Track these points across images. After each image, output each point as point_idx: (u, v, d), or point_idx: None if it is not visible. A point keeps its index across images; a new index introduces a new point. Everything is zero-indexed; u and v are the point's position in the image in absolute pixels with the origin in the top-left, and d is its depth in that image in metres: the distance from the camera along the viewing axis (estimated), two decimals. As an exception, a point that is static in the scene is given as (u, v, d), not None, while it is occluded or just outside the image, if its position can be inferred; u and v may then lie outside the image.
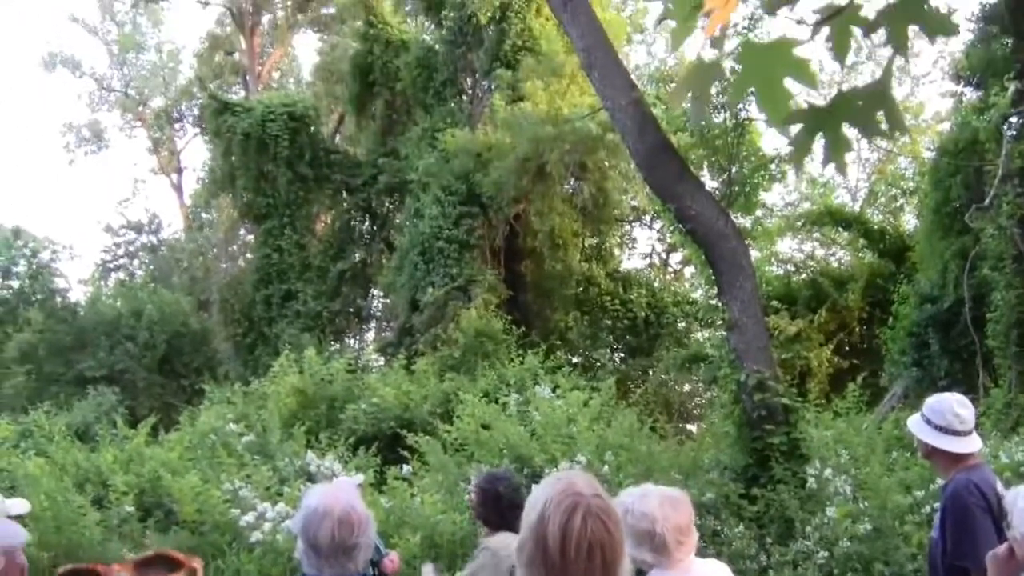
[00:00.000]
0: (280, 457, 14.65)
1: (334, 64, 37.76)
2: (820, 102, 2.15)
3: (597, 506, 3.14)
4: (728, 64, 2.09)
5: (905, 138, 31.49)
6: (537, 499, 3.18)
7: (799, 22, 2.25)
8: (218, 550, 11.59)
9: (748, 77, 2.02)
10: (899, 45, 2.24)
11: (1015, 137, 16.82)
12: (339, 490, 4.68)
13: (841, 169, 2.13)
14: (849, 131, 2.17)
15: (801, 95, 2.14)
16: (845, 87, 2.14)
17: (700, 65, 2.13)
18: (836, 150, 2.12)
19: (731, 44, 2.21)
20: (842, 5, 2.21)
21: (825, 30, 2.21)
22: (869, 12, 2.25)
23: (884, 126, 2.13)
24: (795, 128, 2.16)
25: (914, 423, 5.91)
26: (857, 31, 2.26)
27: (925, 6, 2.25)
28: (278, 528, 11.46)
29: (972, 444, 5.81)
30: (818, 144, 2.19)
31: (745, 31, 17.07)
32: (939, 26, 2.34)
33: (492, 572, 6.41)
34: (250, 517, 11.70)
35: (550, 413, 14.16)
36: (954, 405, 5.84)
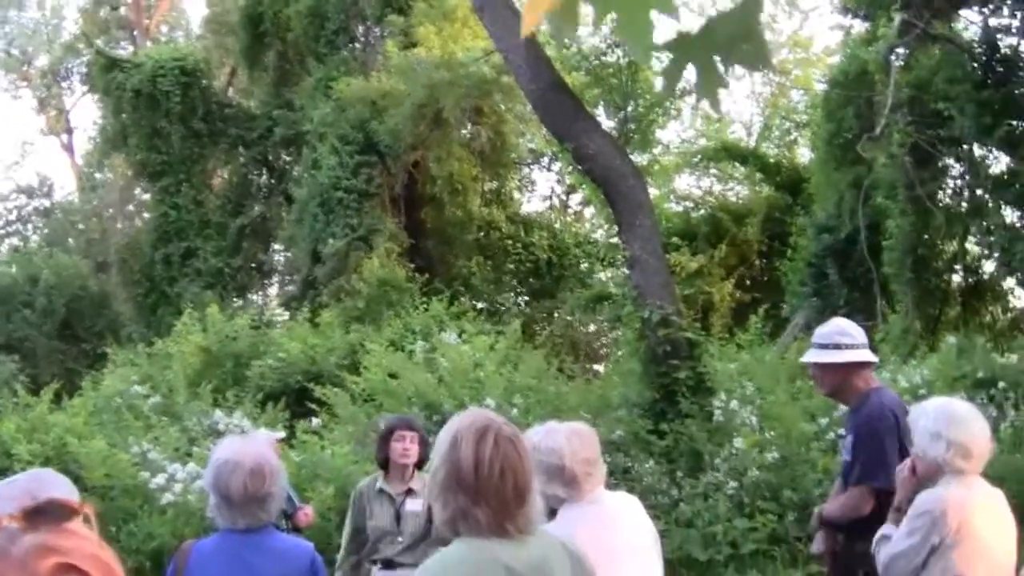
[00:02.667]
0: (188, 417, 14.52)
1: (223, 16, 37.06)
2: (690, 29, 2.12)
3: (508, 432, 3.21)
4: None
5: (797, 71, 31.82)
6: (449, 429, 3.25)
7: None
8: (129, 514, 11.49)
9: (608, 3, 1.99)
10: None
11: (902, 67, 17.08)
12: (248, 442, 4.71)
13: (714, 105, 2.10)
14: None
15: (669, 24, 2.11)
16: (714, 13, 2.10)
17: None
18: (708, 84, 2.10)
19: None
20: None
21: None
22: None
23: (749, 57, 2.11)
24: (664, 58, 2.13)
25: (809, 355, 6.04)
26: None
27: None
28: (189, 488, 11.38)
29: (869, 355, 5.95)
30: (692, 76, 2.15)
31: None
32: None
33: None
34: (160, 479, 11.60)
35: (457, 359, 14.19)
36: (841, 323, 6.02)
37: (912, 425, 4.87)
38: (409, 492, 7.05)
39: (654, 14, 1.98)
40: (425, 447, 6.93)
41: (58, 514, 1.69)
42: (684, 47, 2.06)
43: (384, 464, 7.15)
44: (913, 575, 4.72)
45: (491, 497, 3.11)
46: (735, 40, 2.01)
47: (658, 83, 24.00)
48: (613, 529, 4.43)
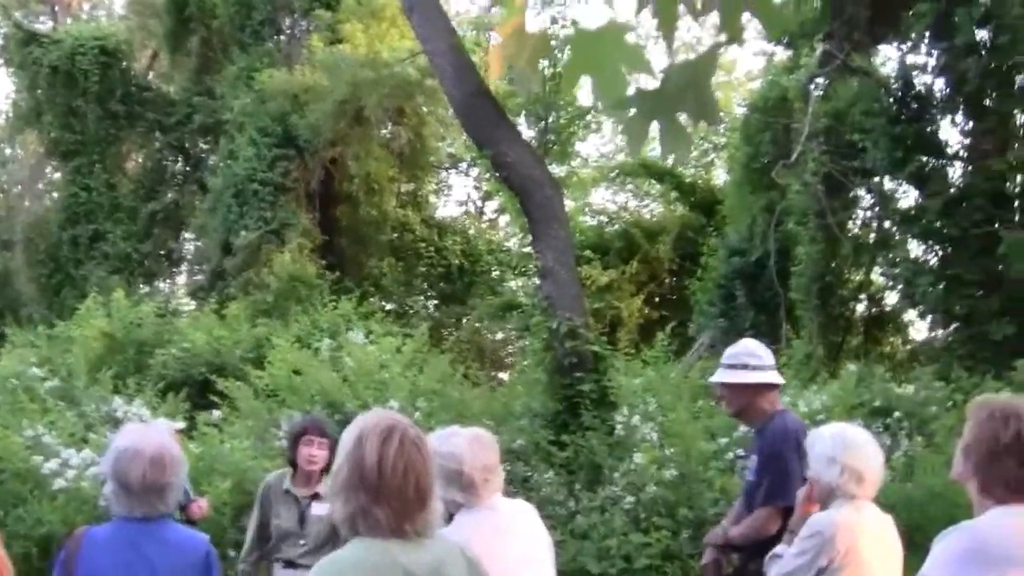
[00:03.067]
0: (86, 403, 14.30)
1: (148, -2, 36.70)
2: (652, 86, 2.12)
3: (413, 434, 3.23)
4: (553, 39, 2.07)
5: (718, 93, 32.12)
6: (354, 427, 3.25)
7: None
8: (19, 498, 11.28)
9: (580, 64, 2.01)
10: (732, 32, 2.22)
11: (821, 97, 17.36)
12: (151, 430, 4.66)
13: (681, 159, 2.14)
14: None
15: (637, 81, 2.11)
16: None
17: (522, 35, 2.10)
18: (672, 138, 2.11)
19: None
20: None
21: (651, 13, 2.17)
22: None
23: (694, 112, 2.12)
24: (630, 113, 2.13)
25: (717, 375, 6.10)
26: (685, 12, 2.22)
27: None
28: (83, 475, 11.21)
29: (776, 376, 6.04)
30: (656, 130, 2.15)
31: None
32: (774, 19, 2.32)
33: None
34: (53, 464, 11.41)
35: (363, 359, 14.13)
36: (749, 345, 6.10)
37: (809, 449, 4.96)
38: (315, 496, 6.94)
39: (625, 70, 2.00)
40: (334, 453, 6.83)
41: None
42: (646, 102, 2.08)
43: (293, 464, 7.08)
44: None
45: (392, 498, 3.11)
46: (685, 92, 2.03)
47: (581, 97, 24.18)
48: (508, 536, 4.45)
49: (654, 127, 2.15)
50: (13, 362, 16.45)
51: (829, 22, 17.07)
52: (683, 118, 2.13)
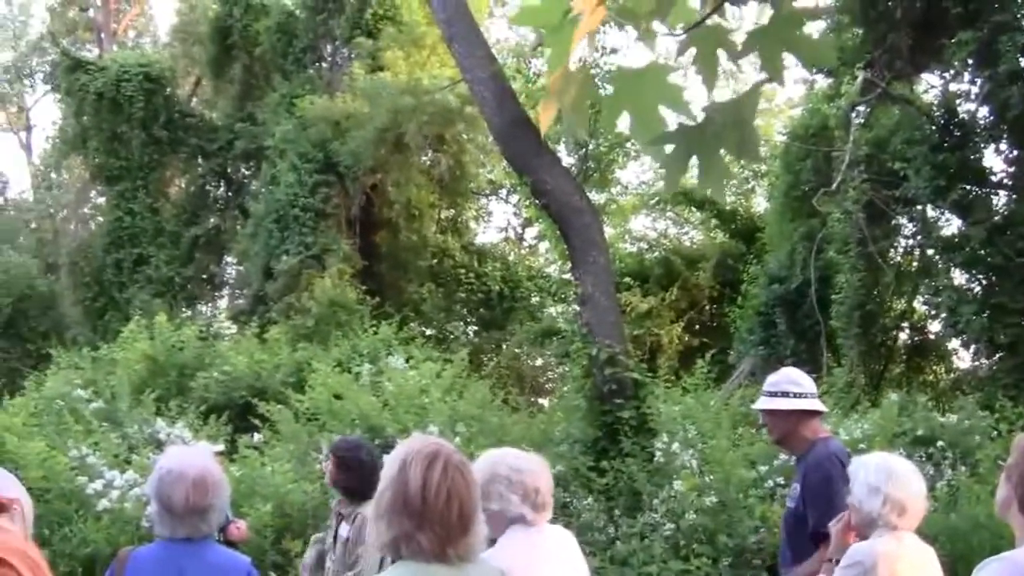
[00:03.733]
0: (129, 424, 14.41)
1: (192, 25, 36.91)
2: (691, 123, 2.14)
3: (457, 460, 3.25)
4: (597, 78, 2.10)
5: (759, 121, 32.06)
6: (398, 454, 3.28)
7: (668, 34, 2.24)
8: (64, 518, 11.40)
9: (620, 101, 2.04)
10: (773, 72, 2.24)
11: (862, 125, 17.31)
12: (194, 453, 4.72)
13: (719, 195, 2.18)
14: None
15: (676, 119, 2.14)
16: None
17: (569, 76, 2.13)
18: (711, 174, 2.14)
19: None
20: (700, 18, 2.20)
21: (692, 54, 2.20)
22: (739, 36, 2.23)
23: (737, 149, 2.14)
24: (668, 149, 2.16)
25: (760, 403, 6.10)
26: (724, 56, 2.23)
27: (797, 32, 2.23)
28: (126, 496, 11.31)
29: (819, 404, 6.03)
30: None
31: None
32: (815, 55, 2.34)
33: None
34: (98, 484, 11.52)
35: (403, 384, 14.19)
36: (791, 373, 6.08)
37: (852, 476, 4.94)
38: (340, 516, 6.95)
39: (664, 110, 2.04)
40: (346, 472, 6.80)
41: None
42: (685, 138, 2.11)
43: None
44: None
45: (436, 523, 3.15)
46: (727, 130, 2.06)
47: (626, 124, 24.24)
48: (554, 562, 4.47)
49: (693, 160, 2.18)
50: (59, 384, 16.60)
51: (870, 50, 17.05)
52: (724, 154, 2.15)
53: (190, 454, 4.75)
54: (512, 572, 3.60)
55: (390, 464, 3.28)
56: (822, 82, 20.34)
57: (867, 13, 16.48)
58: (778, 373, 6.17)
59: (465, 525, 3.21)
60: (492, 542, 4.28)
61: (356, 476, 6.66)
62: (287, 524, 11.41)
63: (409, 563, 3.18)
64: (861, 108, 17.70)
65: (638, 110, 2.01)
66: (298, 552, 10.70)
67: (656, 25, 2.15)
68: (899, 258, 19.01)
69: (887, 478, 4.77)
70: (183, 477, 4.44)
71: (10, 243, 36.99)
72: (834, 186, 16.79)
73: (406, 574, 3.18)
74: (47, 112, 79.33)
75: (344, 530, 6.70)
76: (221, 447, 10.85)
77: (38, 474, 11.62)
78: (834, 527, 5.07)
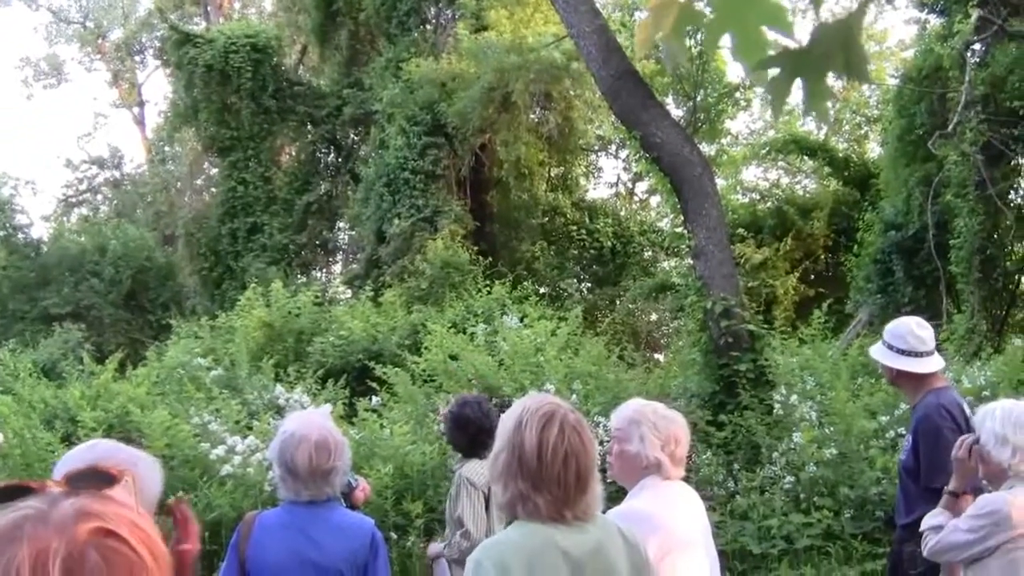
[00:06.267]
0: (249, 391, 14.64)
1: (296, -6, 37.36)
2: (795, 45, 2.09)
3: (574, 419, 3.22)
4: (703, 7, 2.04)
5: (870, 65, 31.54)
6: (514, 412, 3.26)
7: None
8: (189, 484, 11.60)
9: (722, 23, 1.98)
10: None
11: (978, 64, 16.86)
12: (315, 416, 4.77)
13: (823, 118, 2.11)
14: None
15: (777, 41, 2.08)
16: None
17: (668, 5, 2.08)
18: (816, 97, 2.08)
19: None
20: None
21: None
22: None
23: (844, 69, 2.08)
24: (772, 73, 2.11)
25: (876, 350, 6.02)
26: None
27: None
28: (248, 461, 11.48)
29: (934, 364, 5.92)
30: (798, 90, 2.14)
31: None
32: None
33: (475, 499, 6.57)
34: (220, 450, 11.71)
35: (518, 343, 14.21)
36: (913, 327, 5.96)
37: (978, 425, 4.82)
38: (452, 471, 7.10)
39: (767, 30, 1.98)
40: (453, 429, 6.88)
41: (99, 480, 1.73)
42: (794, 61, 2.06)
43: None
44: (962, 565, 4.70)
45: (552, 484, 3.13)
46: (835, 51, 2.00)
47: (731, 74, 23.90)
48: (689, 518, 4.43)
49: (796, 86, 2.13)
50: (179, 353, 16.93)
51: (984, -13, 16.60)
52: (832, 77, 2.09)
53: (311, 418, 4.80)
54: (652, 520, 3.58)
55: (506, 424, 3.26)
56: (934, 22, 19.86)
57: (980, -52, 16.05)
58: (898, 323, 6.08)
59: (583, 485, 3.19)
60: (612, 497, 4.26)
61: (463, 433, 6.75)
62: (407, 485, 11.50)
63: (526, 524, 3.16)
64: (976, 47, 17.24)
65: (741, 31, 1.94)
66: (418, 513, 10.81)
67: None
68: (1020, 200, 18.52)
69: (1014, 428, 4.65)
70: (306, 440, 4.49)
71: (128, 217, 37.75)
72: (950, 128, 16.39)
73: (524, 535, 3.16)
74: (158, 87, 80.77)
75: (452, 502, 6.78)
76: (330, 407, 10.94)
77: (162, 442, 11.85)
78: (956, 455, 4.93)
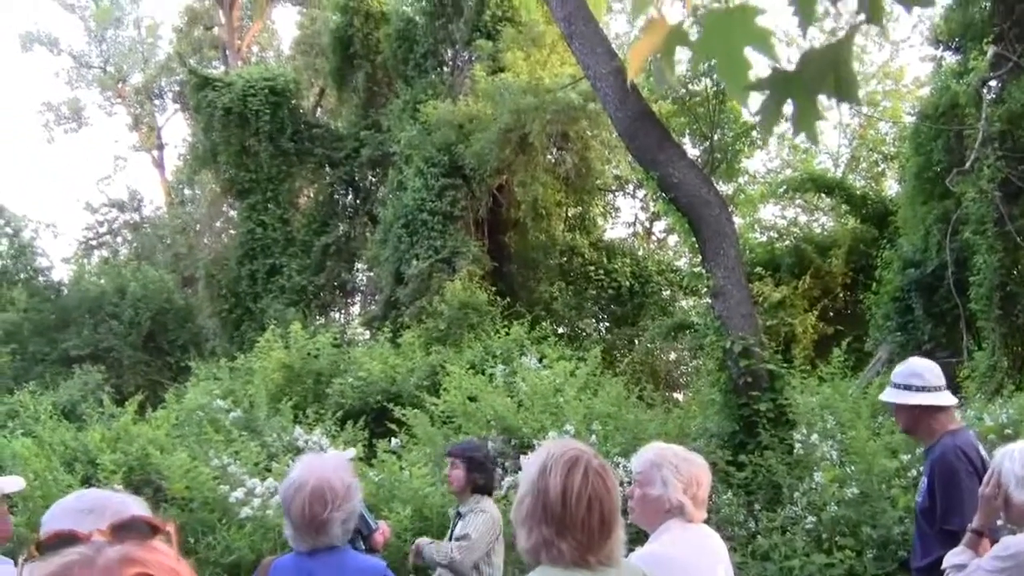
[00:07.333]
0: (268, 432, 14.65)
1: (314, 37, 37.62)
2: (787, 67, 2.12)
3: (598, 464, 3.23)
4: (692, 29, 2.05)
5: (886, 102, 31.58)
6: (538, 457, 3.27)
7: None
8: (208, 526, 11.62)
9: (708, 45, 2.00)
10: (873, 14, 2.20)
11: (994, 100, 16.87)
12: (319, 462, 4.67)
13: (812, 138, 2.12)
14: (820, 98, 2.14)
15: (763, 64, 2.11)
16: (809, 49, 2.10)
17: (657, 25, 2.09)
18: (805, 118, 2.10)
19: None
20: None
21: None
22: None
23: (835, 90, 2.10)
24: (761, 96, 2.13)
25: (888, 394, 6.00)
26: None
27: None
28: (267, 503, 11.48)
29: (949, 398, 5.89)
30: (789, 111, 2.16)
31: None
32: None
33: (494, 530, 6.71)
34: (239, 493, 11.71)
35: (537, 383, 14.19)
36: (915, 365, 5.96)
37: (996, 467, 4.78)
38: (458, 515, 7.24)
39: (750, 52, 1.99)
40: (472, 472, 7.01)
41: (142, 530, 1.79)
42: (780, 83, 2.08)
43: None
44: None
45: (576, 529, 3.13)
46: (825, 74, 2.02)
47: (747, 113, 23.93)
48: (713, 560, 4.42)
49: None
50: (199, 395, 16.97)
51: (999, 23, 16.63)
52: (823, 99, 2.11)
53: (314, 463, 4.67)
54: (675, 563, 3.58)
55: (530, 470, 3.27)
56: (950, 59, 19.90)
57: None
58: (904, 364, 6.08)
59: (607, 531, 3.19)
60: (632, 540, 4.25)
61: (483, 472, 6.93)
62: (426, 527, 11.47)
63: (550, 569, 3.16)
64: (992, 83, 17.25)
65: (724, 54, 1.97)
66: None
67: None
68: (1040, 236, 18.47)
69: (1037, 468, 4.61)
70: (302, 489, 4.41)
71: (147, 259, 37.92)
72: (968, 165, 16.38)
73: (547, 580, 3.16)
74: (178, 130, 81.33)
75: (459, 528, 6.88)
76: (352, 452, 10.93)
77: (181, 484, 11.86)
78: (983, 492, 4.88)
